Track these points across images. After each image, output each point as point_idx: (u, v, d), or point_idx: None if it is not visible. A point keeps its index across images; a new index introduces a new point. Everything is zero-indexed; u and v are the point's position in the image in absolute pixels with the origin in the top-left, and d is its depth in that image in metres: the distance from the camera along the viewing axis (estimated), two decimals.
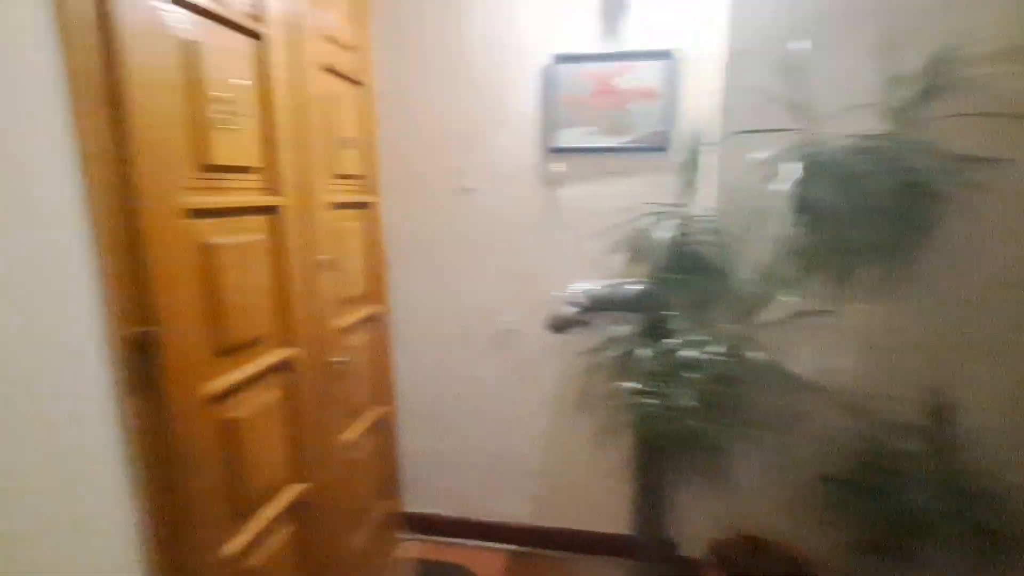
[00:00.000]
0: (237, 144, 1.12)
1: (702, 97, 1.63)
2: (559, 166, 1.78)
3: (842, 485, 1.48)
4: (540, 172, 1.79)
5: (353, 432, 1.64)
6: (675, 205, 1.63)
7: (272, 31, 1.21)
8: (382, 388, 1.89)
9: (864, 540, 1.44)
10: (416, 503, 2.10)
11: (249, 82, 1.16)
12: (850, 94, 1.35)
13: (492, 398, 1.96)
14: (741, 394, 1.40)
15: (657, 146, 1.71)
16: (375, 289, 1.82)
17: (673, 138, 1.69)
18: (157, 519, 0.93)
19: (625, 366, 1.55)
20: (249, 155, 1.17)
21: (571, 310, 1.65)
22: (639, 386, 1.45)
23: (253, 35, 1.17)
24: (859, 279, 1.36)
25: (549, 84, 1.72)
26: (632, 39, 1.67)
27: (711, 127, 1.59)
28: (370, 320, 1.78)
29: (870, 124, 1.30)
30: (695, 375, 1.39)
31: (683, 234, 1.56)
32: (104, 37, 0.82)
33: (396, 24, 1.76)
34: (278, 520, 1.26)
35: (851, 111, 1.31)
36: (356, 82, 1.65)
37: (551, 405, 1.94)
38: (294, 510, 1.33)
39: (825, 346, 1.52)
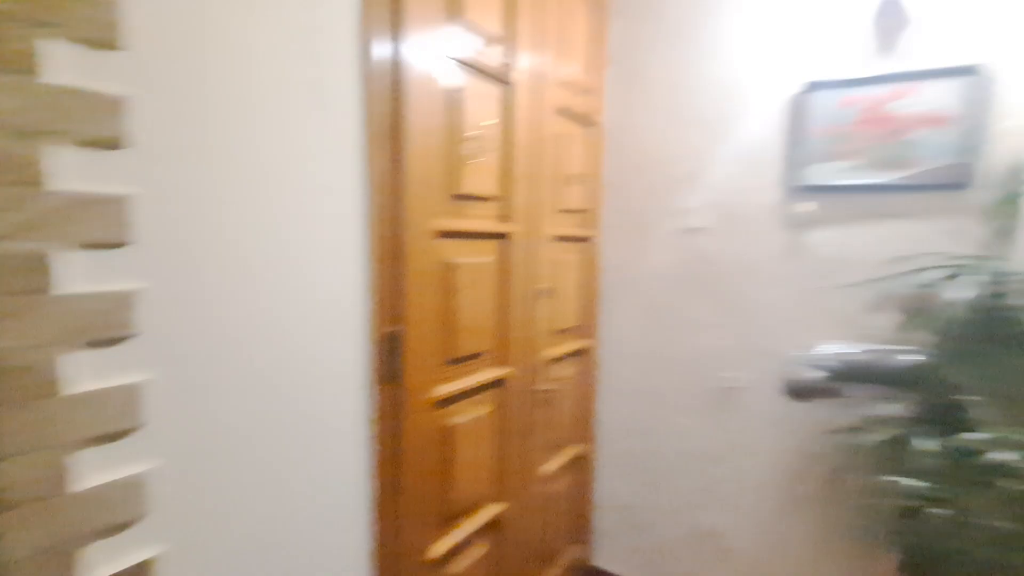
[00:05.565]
0: (480, 176, 1.25)
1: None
2: (807, 206, 1.55)
3: None
4: (781, 213, 1.58)
5: (552, 465, 1.63)
6: (980, 257, 1.26)
7: (519, 79, 1.33)
8: (583, 426, 1.85)
9: None
10: (604, 558, 1.96)
11: (495, 121, 1.29)
12: None
13: (701, 461, 1.74)
14: None
15: (950, 183, 1.36)
16: (586, 324, 1.81)
17: (976, 173, 1.32)
18: (382, 499, 1.02)
19: (893, 457, 1.21)
20: (489, 186, 1.28)
21: (816, 375, 1.37)
22: (920, 487, 1.11)
23: (503, 82, 1.30)
24: None
25: (798, 115, 1.53)
26: (914, 57, 1.39)
27: None
28: (578, 354, 1.77)
29: None
30: (1012, 486, 1.00)
31: (992, 295, 1.18)
32: (395, 87, 0.99)
33: (630, 67, 1.79)
34: (476, 535, 1.29)
35: None
36: (587, 123, 1.72)
37: (774, 484, 1.63)
38: (491, 529, 1.35)
39: None
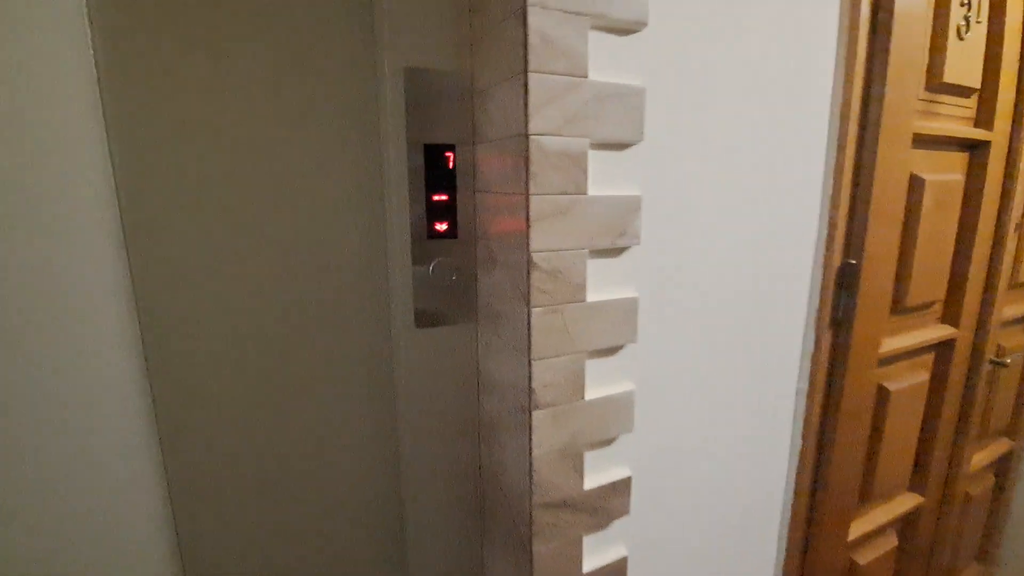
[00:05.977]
0: (964, 58, 0.89)
1: None
2: None
3: None
4: None
5: (978, 461, 1.23)
6: None
7: None
8: (1018, 415, 1.35)
9: None
10: None
11: None
12: None
13: None
14: None
15: None
16: None
17: None
18: (804, 459, 0.87)
19: None
20: (971, 73, 0.91)
21: None
22: None
23: None
24: None
25: None
26: None
27: None
28: None
29: None
30: None
31: None
32: None
33: None
34: (887, 526, 1.04)
35: None
36: None
37: None
38: (902, 524, 1.08)
39: None
